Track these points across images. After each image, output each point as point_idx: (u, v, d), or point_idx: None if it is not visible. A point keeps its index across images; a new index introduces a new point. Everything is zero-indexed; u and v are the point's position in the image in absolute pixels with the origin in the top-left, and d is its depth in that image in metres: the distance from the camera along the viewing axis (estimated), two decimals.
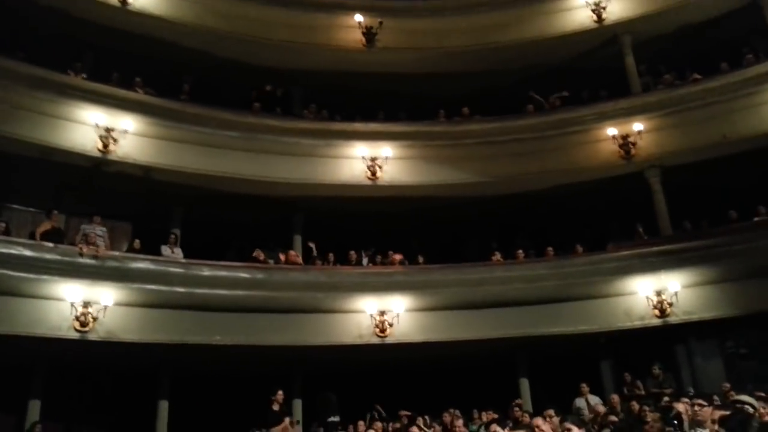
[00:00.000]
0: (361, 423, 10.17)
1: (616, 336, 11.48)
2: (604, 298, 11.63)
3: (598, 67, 14.06)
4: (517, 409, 10.06)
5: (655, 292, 11.33)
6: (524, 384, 11.89)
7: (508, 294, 11.53)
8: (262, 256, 11.80)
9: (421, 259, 12.48)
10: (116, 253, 10.80)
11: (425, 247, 12.73)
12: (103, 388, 11.03)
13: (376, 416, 10.62)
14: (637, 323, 11.37)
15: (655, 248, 11.55)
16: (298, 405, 11.79)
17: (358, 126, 13.51)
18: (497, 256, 12.38)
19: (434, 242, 12.93)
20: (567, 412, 9.95)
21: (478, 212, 13.12)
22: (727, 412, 5.30)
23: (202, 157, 12.17)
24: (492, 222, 13.34)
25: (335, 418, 10.70)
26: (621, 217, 12.78)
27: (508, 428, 5.92)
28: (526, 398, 11.44)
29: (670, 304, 11.18)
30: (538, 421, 7.33)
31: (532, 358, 12.02)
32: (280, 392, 10.05)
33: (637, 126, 12.78)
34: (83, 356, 10.61)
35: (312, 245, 12.61)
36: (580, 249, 12.13)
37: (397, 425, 10.26)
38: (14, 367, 10.55)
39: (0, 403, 10.57)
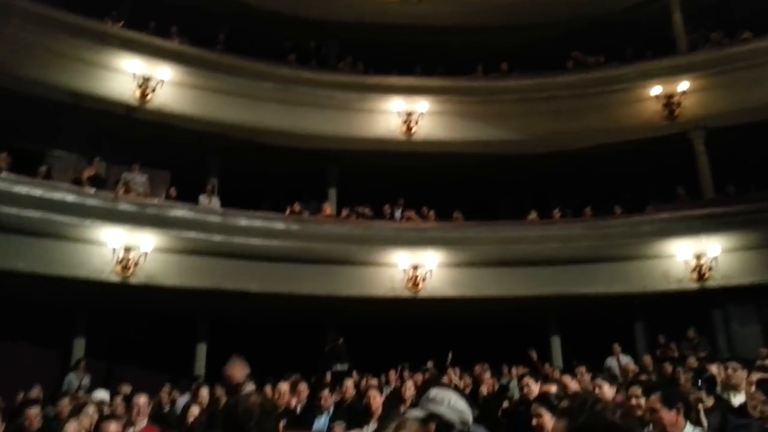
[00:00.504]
0: (392, 373, 10.28)
1: (651, 298, 11.38)
2: (641, 260, 11.50)
3: (643, 23, 13.59)
4: (547, 365, 10.10)
5: (695, 255, 11.16)
6: (555, 342, 11.92)
7: (543, 253, 11.45)
8: (297, 208, 11.87)
9: (455, 216, 12.41)
10: (155, 201, 10.96)
11: (460, 204, 12.66)
12: (144, 330, 11.33)
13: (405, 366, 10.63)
14: (674, 286, 11.25)
15: (696, 211, 11.33)
16: None
17: (394, 80, 13.32)
18: (533, 215, 12.25)
19: (469, 199, 12.83)
20: (598, 371, 9.95)
21: (514, 170, 12.92)
22: (766, 375, 5.24)
23: (237, 108, 12.18)
24: (528, 180, 13.16)
25: (343, 367, 10.69)
26: (662, 179, 12.54)
27: (539, 382, 5.91)
28: (556, 356, 11.47)
29: (710, 269, 11.02)
30: (567, 378, 7.34)
31: (564, 317, 12.01)
32: (341, 340, 10.00)
33: (683, 86, 12.38)
34: (125, 299, 10.91)
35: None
36: (618, 210, 11.94)
37: (428, 375, 10.33)
38: (60, 307, 10.95)
39: (47, 340, 11.02)
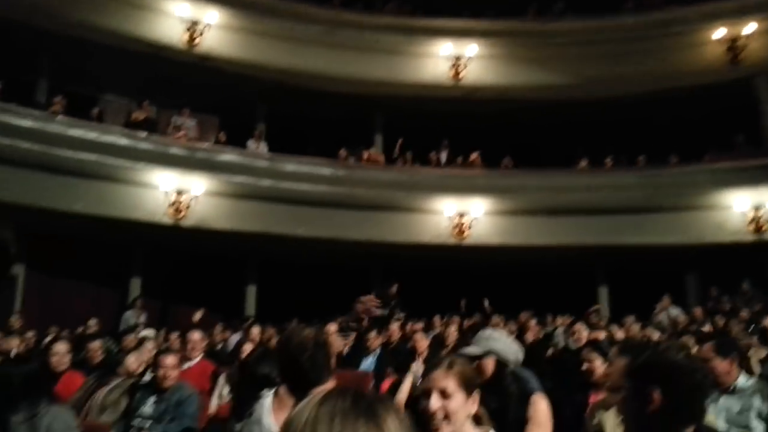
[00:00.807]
0: (436, 319, 10.37)
1: (704, 250, 11.08)
2: (696, 211, 11.16)
3: None
4: (594, 314, 10.01)
5: (753, 207, 10.77)
6: (602, 292, 11.79)
7: (593, 202, 11.19)
8: (343, 154, 11.87)
9: (503, 163, 12.21)
10: (205, 145, 11.11)
11: (508, 150, 12.43)
12: (197, 271, 11.70)
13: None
14: (729, 238, 10.91)
15: (756, 161, 10.86)
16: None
17: (442, 22, 12.92)
18: (583, 162, 11.95)
19: (518, 146, 12.54)
20: (647, 323, 9.83)
21: (565, 116, 12.53)
22: None
23: (284, 51, 12.07)
24: (580, 127, 12.76)
25: (383, 312, 10.64)
26: (720, 127, 11.97)
27: (587, 331, 5.89)
28: (603, 306, 11.36)
29: None
30: (615, 328, 7.29)
31: (612, 267, 11.83)
32: (396, 285, 9.71)
33: (748, 28, 11.68)
34: (178, 241, 11.25)
35: (398, 144, 12.33)
36: (674, 159, 11.53)
37: (474, 321, 10.38)
38: (116, 247, 11.39)
39: (106, 279, 11.51)
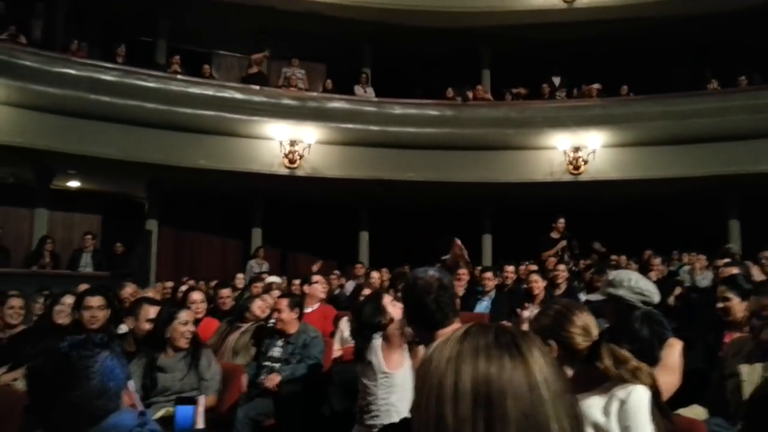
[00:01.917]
0: (552, 260, 10.08)
1: None
2: None
3: None
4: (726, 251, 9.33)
5: None
6: (734, 226, 10.94)
7: (724, 127, 10.22)
8: (451, 93, 11.63)
9: (622, 90, 11.44)
10: (315, 94, 11.30)
11: (626, 77, 11.60)
12: (312, 220, 12.16)
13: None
14: None
15: None
16: (487, 240, 12.08)
17: None
18: (713, 84, 10.92)
19: (637, 71, 11.66)
20: None
21: (689, 34, 11.44)
22: None
23: None
24: (707, 45, 11.62)
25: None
26: None
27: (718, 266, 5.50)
28: (735, 241, 10.54)
29: None
30: (750, 264, 6.74)
31: (744, 198, 10.89)
32: (562, 219, 9.13)
33: None
34: (293, 191, 11.67)
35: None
36: None
37: (588, 261, 10.06)
38: (238, 199, 12.03)
39: (230, 231, 12.28)
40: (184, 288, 6.55)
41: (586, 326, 1.99)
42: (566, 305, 2.11)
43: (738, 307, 3.67)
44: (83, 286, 5.25)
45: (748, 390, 2.81)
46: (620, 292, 2.90)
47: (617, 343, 2.07)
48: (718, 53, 11.61)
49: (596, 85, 11.59)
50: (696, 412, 2.82)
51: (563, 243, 8.88)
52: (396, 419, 2.97)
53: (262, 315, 4.75)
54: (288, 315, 4.28)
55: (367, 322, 3.35)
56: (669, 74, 11.80)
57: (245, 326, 4.65)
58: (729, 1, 10.93)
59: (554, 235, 9.02)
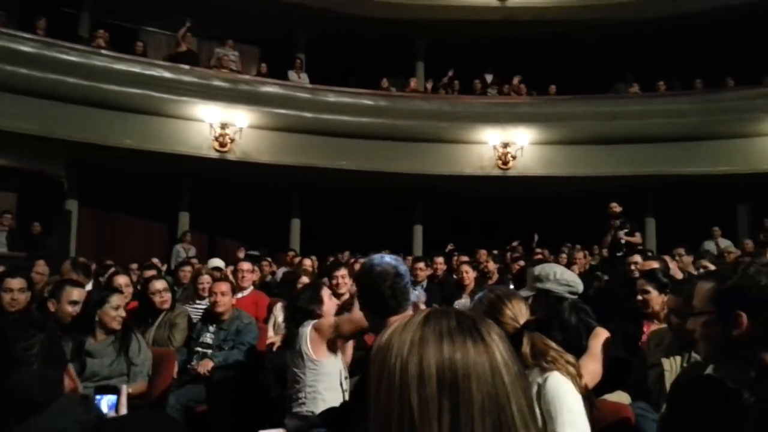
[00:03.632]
0: (483, 252, 10.31)
1: (758, 179, 10.66)
2: (752, 138, 10.69)
3: None
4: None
5: None
6: (650, 223, 11.56)
7: (644, 129, 10.80)
8: (385, 84, 11.66)
9: (551, 89, 11.83)
10: (247, 77, 11.05)
11: (554, 77, 12.01)
12: (243, 205, 11.90)
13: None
14: None
15: None
16: (418, 231, 12.23)
17: None
18: (635, 87, 11.47)
19: (564, 71, 12.08)
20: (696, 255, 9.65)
21: (614, 38, 11.96)
22: None
23: None
24: (631, 50, 12.18)
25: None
26: None
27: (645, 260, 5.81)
28: (650, 238, 11.16)
29: None
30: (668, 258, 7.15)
31: (661, 197, 11.54)
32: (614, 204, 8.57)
33: None
34: (223, 175, 11.39)
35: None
36: (731, 83, 10.97)
37: (516, 254, 10.38)
38: (164, 182, 11.63)
39: (156, 214, 11.84)
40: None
41: (515, 315, 2.08)
42: (501, 294, 2.19)
43: (656, 299, 3.89)
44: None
45: (669, 380, 2.98)
46: (548, 285, 2.97)
47: (548, 334, 2.17)
48: (640, 58, 12.19)
49: (518, 78, 11.88)
50: (621, 397, 2.97)
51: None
52: (322, 407, 3.00)
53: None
54: (229, 299, 4.23)
55: (302, 308, 3.36)
56: (594, 76, 12.28)
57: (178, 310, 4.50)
58: (653, 8, 11.50)
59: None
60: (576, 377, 2.02)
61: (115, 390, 2.33)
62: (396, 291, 2.10)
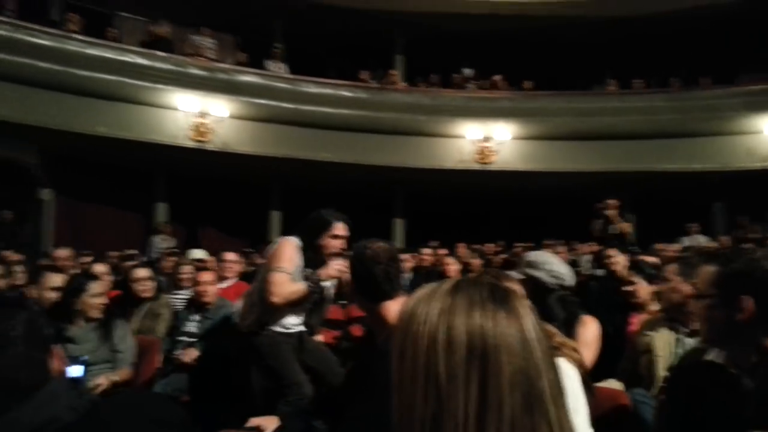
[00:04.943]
0: (461, 246, 10.32)
1: (733, 177, 10.87)
2: (727, 136, 10.89)
3: None
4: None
5: None
6: (629, 219, 11.67)
7: (621, 126, 10.94)
8: (365, 76, 11.58)
9: (528, 85, 11.88)
10: (225, 65, 10.86)
11: (533, 73, 12.06)
12: (222, 197, 11.70)
13: None
14: (759, 164, 10.68)
15: None
16: (399, 224, 12.19)
17: None
18: (612, 85, 11.58)
19: (543, 67, 12.14)
20: None
21: (593, 36, 12.02)
22: None
23: None
24: (608, 47, 12.27)
25: None
26: (755, 48, 11.46)
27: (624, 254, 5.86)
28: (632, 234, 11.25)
29: None
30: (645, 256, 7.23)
31: (639, 194, 11.66)
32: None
33: None
34: (201, 166, 11.15)
35: None
36: (707, 81, 11.15)
37: (499, 248, 10.37)
38: (140, 172, 11.35)
39: (131, 204, 11.57)
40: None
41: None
42: (498, 273, 2.15)
43: (644, 290, 3.92)
44: None
45: (662, 364, 3.00)
46: (538, 273, 2.96)
47: None
48: (617, 55, 12.31)
49: (499, 77, 11.93)
50: (613, 386, 2.97)
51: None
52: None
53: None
54: (215, 288, 4.15)
55: None
56: (572, 72, 12.37)
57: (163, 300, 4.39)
58: (633, 7, 11.62)
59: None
60: (580, 364, 2.00)
61: (79, 360, 2.26)
62: (390, 274, 2.04)
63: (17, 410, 1.23)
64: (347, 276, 2.87)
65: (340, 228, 3.29)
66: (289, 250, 3.17)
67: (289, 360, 3.21)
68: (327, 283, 3.30)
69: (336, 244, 3.24)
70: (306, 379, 3.19)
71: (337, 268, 3.13)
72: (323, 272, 3.13)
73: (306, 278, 3.12)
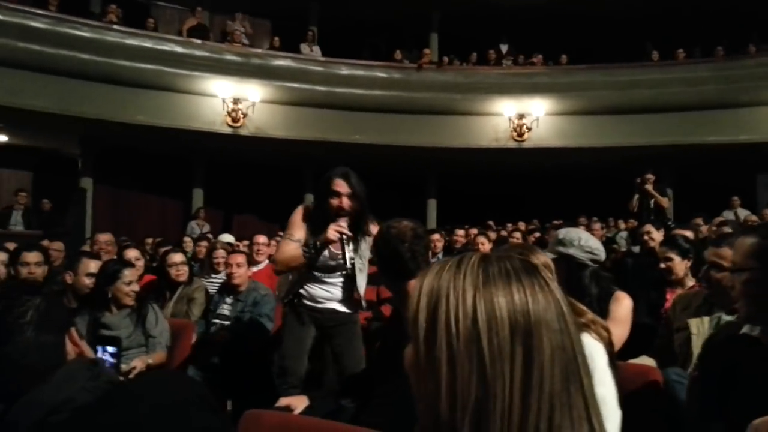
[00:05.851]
0: (491, 224, 10.10)
1: None
2: None
3: None
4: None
5: None
6: (668, 194, 11.36)
7: (663, 98, 10.58)
8: (399, 56, 11.50)
9: (564, 59, 11.60)
10: (259, 51, 10.94)
11: (570, 46, 11.76)
12: (256, 181, 11.86)
13: None
14: None
15: None
16: (432, 204, 12.14)
17: None
18: (654, 55, 11.21)
19: (581, 40, 11.82)
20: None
21: (633, 6, 11.67)
22: None
23: None
24: (648, 17, 11.88)
25: None
26: None
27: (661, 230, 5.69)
28: (668, 209, 10.95)
29: None
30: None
31: (680, 168, 11.33)
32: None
33: None
34: (237, 151, 11.33)
35: None
36: (753, 49, 10.68)
37: (532, 227, 10.24)
38: (178, 158, 11.60)
39: (170, 190, 11.83)
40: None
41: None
42: (529, 247, 2.11)
43: (679, 265, 3.81)
44: (11, 245, 4.93)
45: (697, 343, 2.91)
46: (571, 250, 2.89)
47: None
48: (659, 25, 11.89)
49: (538, 57, 11.67)
50: (646, 362, 2.91)
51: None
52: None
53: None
54: (245, 271, 4.20)
55: None
56: (611, 44, 12.00)
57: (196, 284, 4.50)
58: None
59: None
60: (608, 343, 1.96)
61: (116, 341, 2.32)
62: (415, 252, 2.05)
63: (33, 393, 1.28)
64: (346, 235, 2.82)
65: (338, 184, 2.99)
66: (295, 217, 3.07)
67: (287, 331, 3.09)
68: (360, 256, 3.07)
69: (334, 203, 2.94)
70: (300, 353, 3.04)
71: (334, 229, 2.85)
72: (323, 236, 2.89)
73: (305, 243, 2.95)
